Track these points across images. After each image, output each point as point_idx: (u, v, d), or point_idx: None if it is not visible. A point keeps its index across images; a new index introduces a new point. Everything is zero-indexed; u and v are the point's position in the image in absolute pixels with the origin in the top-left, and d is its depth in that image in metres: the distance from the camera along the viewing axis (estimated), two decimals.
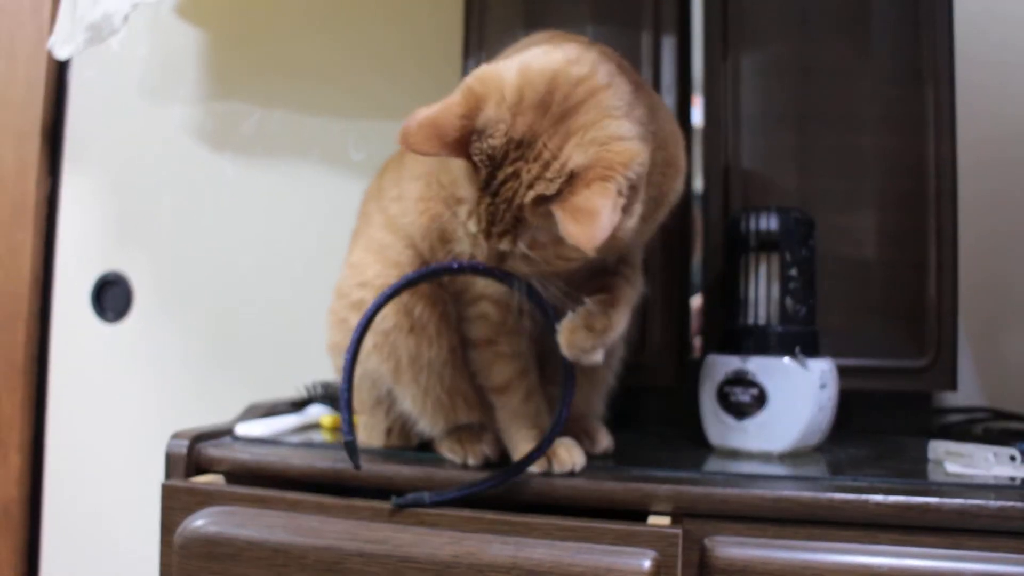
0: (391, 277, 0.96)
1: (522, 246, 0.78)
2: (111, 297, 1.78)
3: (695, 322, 1.36)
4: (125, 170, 1.79)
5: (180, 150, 1.75)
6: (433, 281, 0.94)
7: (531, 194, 0.75)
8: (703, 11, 1.32)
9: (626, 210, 0.77)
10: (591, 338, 0.85)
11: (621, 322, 0.89)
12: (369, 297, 0.96)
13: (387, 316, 0.95)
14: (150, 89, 1.79)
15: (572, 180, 0.74)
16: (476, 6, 1.36)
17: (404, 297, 0.94)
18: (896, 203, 1.21)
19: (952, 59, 1.20)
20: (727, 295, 1.09)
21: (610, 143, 0.76)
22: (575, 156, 0.75)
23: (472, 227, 0.80)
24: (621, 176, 0.74)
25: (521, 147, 0.76)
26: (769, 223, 1.04)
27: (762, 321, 1.04)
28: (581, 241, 0.72)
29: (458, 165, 0.80)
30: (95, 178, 1.80)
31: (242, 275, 1.71)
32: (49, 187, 1.82)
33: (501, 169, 0.76)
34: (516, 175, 0.76)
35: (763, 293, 1.05)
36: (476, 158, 0.77)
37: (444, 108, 0.77)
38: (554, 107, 0.77)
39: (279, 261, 1.69)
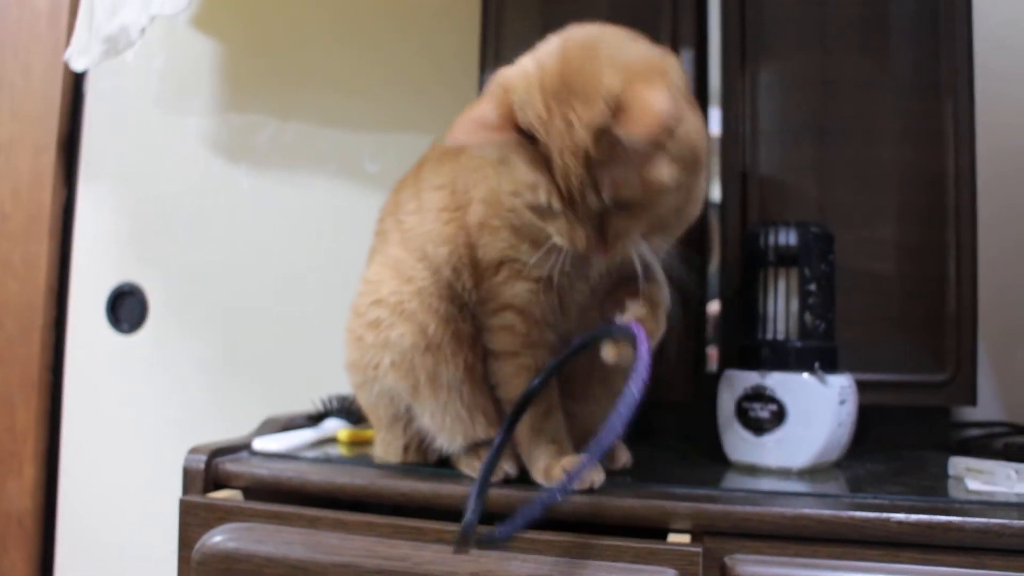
0: (405, 293, 0.96)
1: (607, 195, 0.77)
2: (126, 308, 1.78)
3: (711, 328, 1.35)
4: (141, 182, 1.80)
5: (195, 162, 1.76)
6: (446, 286, 0.96)
7: (588, 130, 0.75)
8: (721, 23, 1.31)
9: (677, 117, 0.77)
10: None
11: (664, 326, 0.90)
12: (384, 315, 0.96)
13: (405, 335, 0.95)
14: (166, 101, 1.80)
15: (617, 100, 0.75)
16: (493, 19, 1.36)
17: (419, 315, 0.94)
18: (915, 216, 1.20)
19: (971, 71, 1.20)
20: (745, 309, 1.08)
21: (640, 58, 0.80)
22: (609, 77, 0.76)
23: (556, 203, 0.79)
24: (660, 78, 0.77)
25: (559, 98, 0.76)
26: (788, 238, 1.04)
27: (781, 336, 1.04)
28: (645, 126, 0.72)
29: (511, 153, 0.80)
30: (111, 189, 1.81)
31: (257, 287, 1.71)
32: (65, 198, 1.83)
33: (552, 126, 0.76)
34: (568, 124, 0.76)
35: (782, 308, 1.04)
36: (529, 125, 0.77)
37: (478, 104, 0.79)
38: (575, 58, 0.79)
39: (294, 273, 1.69)
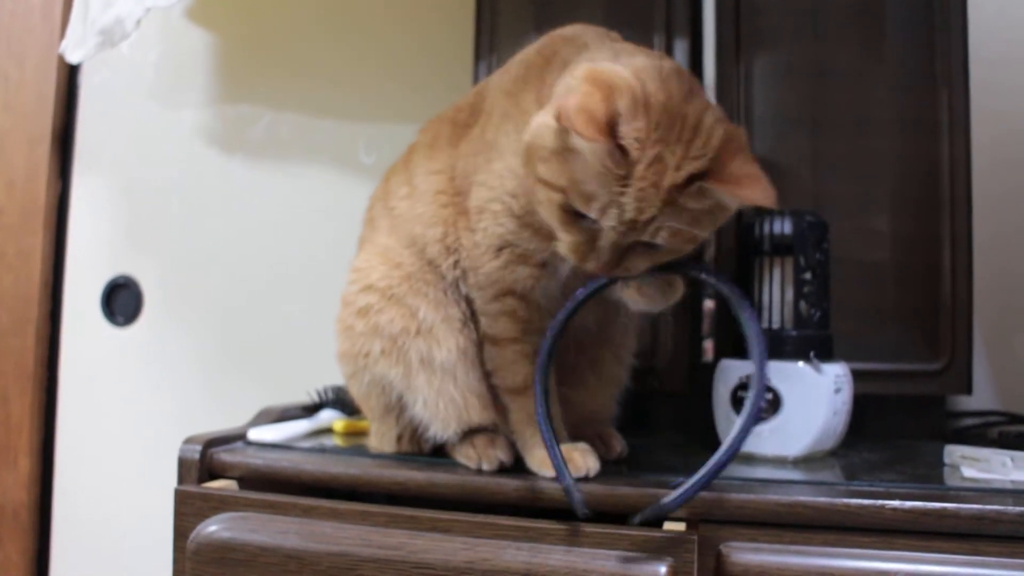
0: (394, 278, 0.97)
1: (661, 238, 0.78)
2: (121, 301, 1.78)
3: (706, 323, 1.35)
4: (135, 174, 1.79)
5: (190, 154, 1.76)
6: (435, 270, 0.97)
7: (682, 174, 0.76)
8: (715, 14, 1.31)
9: None
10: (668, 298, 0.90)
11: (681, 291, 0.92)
12: (375, 301, 0.97)
13: (395, 320, 0.95)
14: (161, 93, 1.79)
15: (722, 162, 0.77)
16: (487, 10, 1.36)
17: (408, 299, 0.95)
18: (910, 206, 1.20)
19: (966, 61, 1.20)
20: None
21: (726, 122, 0.81)
22: (716, 134, 0.78)
23: (611, 219, 0.78)
24: (747, 148, 0.80)
25: (660, 129, 0.76)
26: (783, 227, 1.04)
27: (776, 325, 1.04)
28: (764, 198, 0.76)
29: (592, 157, 0.77)
30: (105, 182, 1.81)
31: (252, 279, 1.71)
32: (59, 191, 1.83)
33: (644, 154, 0.76)
34: (660, 159, 0.76)
35: (777, 297, 1.04)
36: (626, 141, 0.76)
37: (585, 96, 0.76)
38: (675, 91, 0.79)
39: (289, 265, 1.69)
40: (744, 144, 0.81)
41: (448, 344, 0.95)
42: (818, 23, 1.25)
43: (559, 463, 0.83)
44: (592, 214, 0.78)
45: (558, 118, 0.77)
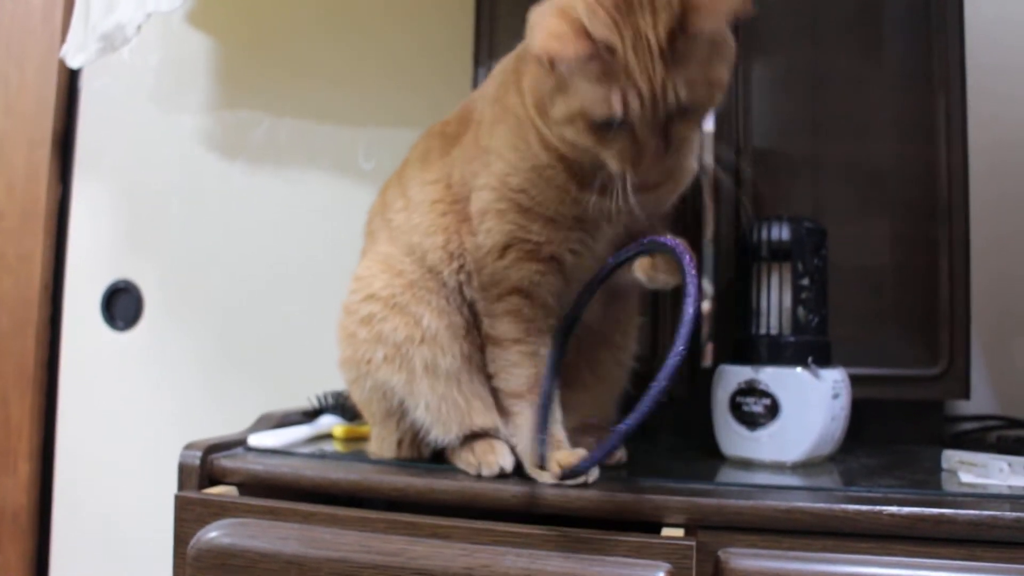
0: (397, 287, 0.97)
1: (683, 95, 0.80)
2: (121, 305, 1.78)
3: (706, 328, 1.35)
4: (136, 178, 1.80)
5: (190, 158, 1.76)
6: (436, 278, 0.97)
7: (662, 30, 0.78)
8: None
9: None
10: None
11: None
12: (378, 309, 0.97)
13: (398, 328, 0.95)
14: (161, 97, 1.80)
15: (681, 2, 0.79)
16: (486, 15, 1.37)
17: (412, 307, 0.96)
18: (907, 211, 1.21)
19: (963, 66, 1.20)
20: (739, 304, 1.09)
21: None
22: None
23: (635, 106, 0.79)
24: None
25: (620, 11, 0.78)
26: (781, 232, 1.04)
27: (774, 331, 1.04)
28: (719, 13, 0.79)
29: (586, 68, 0.80)
30: (106, 186, 1.81)
31: (252, 283, 1.72)
32: (60, 195, 1.83)
33: (625, 36, 0.78)
34: (637, 31, 0.78)
35: (775, 303, 1.04)
36: (602, 35, 0.78)
37: (546, 26, 0.79)
38: None
39: (289, 269, 1.69)
40: None
41: (453, 350, 0.96)
42: (816, 28, 1.26)
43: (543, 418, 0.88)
44: (616, 111, 0.80)
45: (539, 59, 0.81)
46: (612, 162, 0.84)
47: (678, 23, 0.78)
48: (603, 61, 0.79)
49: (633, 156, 0.83)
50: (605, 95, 0.79)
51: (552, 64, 0.81)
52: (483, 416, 0.96)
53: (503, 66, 1.00)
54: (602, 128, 0.82)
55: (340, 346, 1.04)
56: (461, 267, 0.97)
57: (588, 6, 0.79)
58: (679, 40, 0.78)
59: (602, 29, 0.78)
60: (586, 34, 0.78)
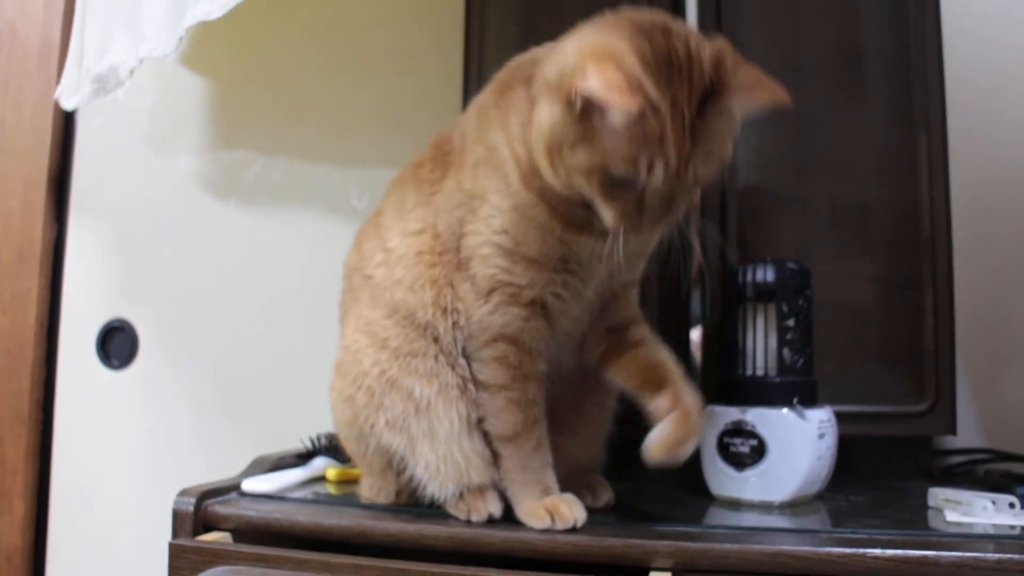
0: (383, 362, 0.96)
1: (701, 170, 0.80)
2: (116, 344, 1.79)
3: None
4: (130, 218, 1.81)
5: (185, 198, 1.78)
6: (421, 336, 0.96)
7: (695, 106, 0.78)
8: None
9: None
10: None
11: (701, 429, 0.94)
12: (374, 384, 0.97)
13: (395, 403, 0.95)
14: (155, 138, 1.81)
15: (716, 73, 0.79)
16: (475, 58, 1.39)
17: (402, 380, 0.95)
18: (891, 249, 1.23)
19: (944, 105, 1.22)
20: (725, 345, 1.10)
21: (702, 37, 0.82)
22: (705, 52, 0.80)
23: (659, 174, 0.79)
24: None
25: (664, 73, 0.78)
26: (766, 274, 1.06)
27: (760, 372, 1.05)
28: (776, 95, 0.83)
29: (628, 123, 0.77)
30: (101, 225, 1.82)
31: (246, 323, 1.72)
32: (55, 234, 1.84)
33: (665, 102, 0.77)
34: (675, 100, 0.78)
35: (760, 344, 1.06)
36: (651, 96, 0.77)
37: (598, 70, 0.76)
38: (655, 33, 0.80)
39: (283, 310, 1.70)
40: (733, 52, 0.82)
41: (449, 416, 0.95)
42: (797, 68, 1.28)
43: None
44: (641, 176, 0.79)
45: (577, 100, 0.78)
46: (609, 216, 0.83)
47: (709, 97, 0.79)
48: (646, 122, 0.77)
49: (634, 217, 0.83)
50: (634, 157, 0.78)
51: (586, 111, 0.78)
52: (481, 473, 0.95)
53: (479, 103, 0.99)
54: (613, 184, 0.81)
55: (336, 408, 1.03)
56: (455, 323, 0.95)
57: (640, 57, 0.78)
58: (706, 114, 0.79)
59: (654, 90, 0.77)
60: (642, 91, 0.76)
